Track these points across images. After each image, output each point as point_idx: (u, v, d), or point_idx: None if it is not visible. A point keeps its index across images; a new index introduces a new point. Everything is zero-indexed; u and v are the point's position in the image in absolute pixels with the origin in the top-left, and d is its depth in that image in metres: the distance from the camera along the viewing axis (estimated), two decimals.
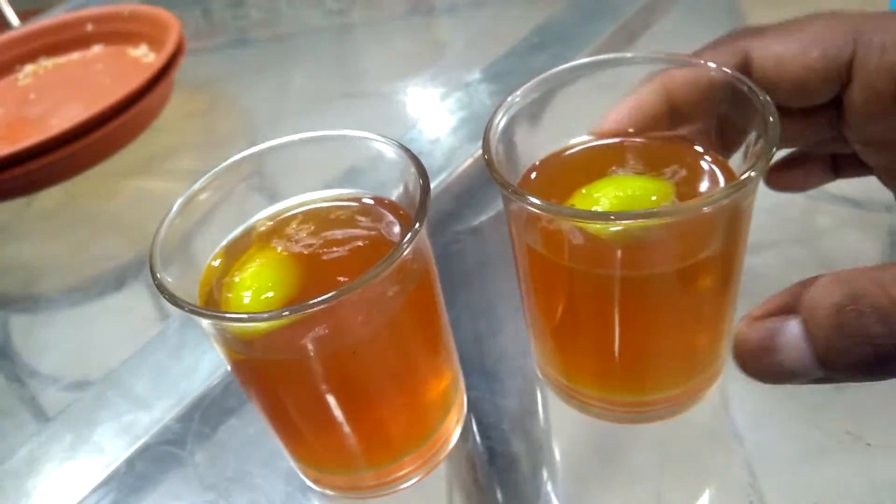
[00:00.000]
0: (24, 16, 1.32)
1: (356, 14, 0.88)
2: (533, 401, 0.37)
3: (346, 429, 0.29)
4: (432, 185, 0.50)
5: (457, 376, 0.34)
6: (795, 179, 0.32)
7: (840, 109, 0.28)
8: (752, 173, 0.24)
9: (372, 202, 0.31)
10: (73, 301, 0.51)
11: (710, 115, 0.30)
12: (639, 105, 0.30)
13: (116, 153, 0.59)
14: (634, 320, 0.29)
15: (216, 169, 0.30)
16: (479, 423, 0.36)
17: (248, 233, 0.30)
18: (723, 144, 0.30)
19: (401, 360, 0.29)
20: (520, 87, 0.30)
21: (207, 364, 0.40)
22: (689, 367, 0.32)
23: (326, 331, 0.26)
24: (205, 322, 0.26)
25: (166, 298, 0.25)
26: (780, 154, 0.34)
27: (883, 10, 0.46)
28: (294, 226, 0.30)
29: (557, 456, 0.35)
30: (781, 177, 0.33)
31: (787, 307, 0.22)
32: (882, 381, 0.21)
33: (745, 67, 0.28)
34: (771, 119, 0.26)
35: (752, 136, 0.27)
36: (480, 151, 0.28)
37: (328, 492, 0.33)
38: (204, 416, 0.38)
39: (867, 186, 0.31)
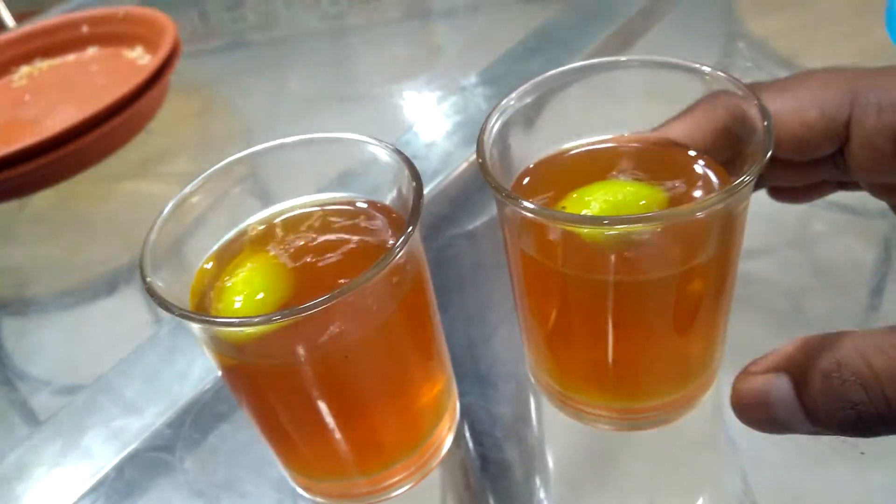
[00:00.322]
0: (20, 17, 1.31)
1: (353, 18, 0.88)
2: (526, 407, 0.36)
3: (338, 435, 0.29)
4: (427, 189, 0.51)
5: (449, 382, 0.33)
6: (798, 193, 0.32)
7: (843, 158, 0.28)
8: (746, 178, 0.24)
9: (365, 206, 0.31)
10: (65, 304, 0.51)
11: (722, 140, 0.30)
12: (675, 133, 0.30)
13: (111, 156, 0.59)
14: (627, 326, 0.28)
15: (208, 172, 0.29)
16: (472, 430, 0.35)
17: (240, 236, 0.30)
18: (720, 150, 0.30)
19: (393, 364, 0.28)
20: (514, 91, 0.30)
21: (199, 369, 0.40)
22: (682, 374, 0.32)
23: (318, 335, 0.25)
24: (195, 326, 0.25)
25: (156, 302, 0.25)
26: None
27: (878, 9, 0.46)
28: (286, 230, 0.30)
29: (550, 463, 0.35)
30: (786, 191, 0.32)
31: (780, 366, 0.24)
32: None
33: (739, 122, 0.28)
34: (765, 123, 0.26)
35: (747, 141, 0.27)
36: (475, 156, 0.28)
37: (319, 499, 0.32)
38: (195, 421, 0.37)
39: (863, 193, 0.31)
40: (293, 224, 0.30)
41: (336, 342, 0.26)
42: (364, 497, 0.32)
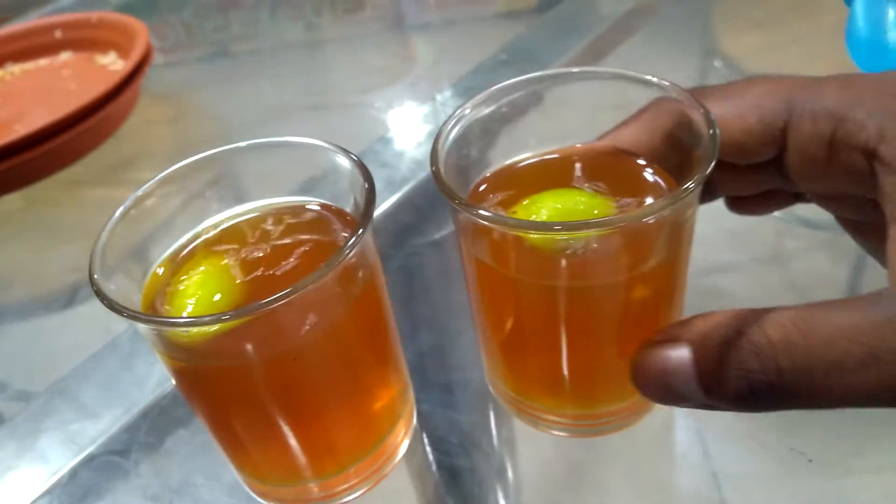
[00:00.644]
0: None
1: (333, 29, 0.89)
2: (485, 414, 0.36)
3: (289, 438, 0.29)
4: (395, 198, 0.51)
5: (406, 387, 0.34)
6: (756, 204, 0.33)
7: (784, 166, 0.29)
8: (690, 185, 0.24)
9: (321, 209, 0.31)
10: (27, 309, 0.51)
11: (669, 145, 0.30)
12: (623, 138, 0.31)
13: (79, 160, 0.59)
14: (578, 332, 0.29)
15: (163, 174, 0.29)
16: (429, 436, 0.35)
17: (192, 240, 0.30)
18: (667, 155, 0.30)
19: (344, 367, 0.29)
20: (469, 101, 0.30)
21: (158, 374, 0.39)
22: None
23: (267, 336, 0.26)
24: (145, 328, 0.25)
25: (104, 304, 0.25)
26: None
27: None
28: (240, 233, 0.30)
29: (508, 470, 0.35)
30: (742, 201, 0.33)
31: (681, 336, 0.24)
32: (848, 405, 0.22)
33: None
34: (710, 132, 0.26)
35: (694, 148, 0.28)
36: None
37: None
38: (151, 426, 0.37)
39: None
40: (247, 228, 0.30)
41: (285, 343, 0.26)
42: (318, 502, 0.32)
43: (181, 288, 0.28)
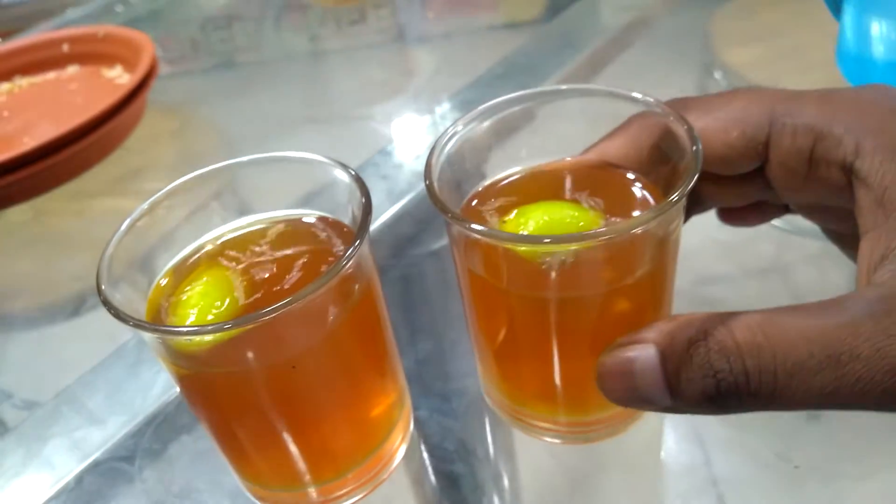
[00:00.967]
0: (3, 34, 1.32)
1: (339, 41, 0.90)
2: (481, 422, 0.37)
3: (288, 443, 0.30)
4: (394, 209, 0.52)
5: (402, 394, 0.34)
6: (746, 216, 0.34)
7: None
8: (674, 198, 0.25)
9: (318, 222, 0.32)
10: (34, 318, 0.52)
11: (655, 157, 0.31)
12: (609, 150, 0.31)
13: (86, 172, 0.60)
14: (568, 341, 0.30)
15: (169, 187, 0.30)
16: (425, 443, 0.36)
17: (195, 252, 0.31)
18: (653, 171, 0.31)
19: (341, 375, 0.30)
20: (462, 117, 0.31)
21: (162, 381, 0.40)
22: None
23: (267, 344, 0.27)
24: (150, 336, 0.26)
25: (111, 313, 0.26)
26: None
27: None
28: (241, 245, 0.31)
29: (504, 477, 0.35)
30: (732, 212, 0.34)
31: (648, 338, 0.24)
32: (811, 407, 0.23)
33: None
34: (693, 148, 0.27)
35: (677, 162, 0.29)
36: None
37: None
38: (156, 432, 0.38)
39: None
40: (248, 240, 0.31)
41: (285, 351, 0.27)
42: None
43: (184, 298, 0.29)
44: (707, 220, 0.34)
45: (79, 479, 0.36)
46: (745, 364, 0.22)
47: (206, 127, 0.75)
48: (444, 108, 0.62)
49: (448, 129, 0.31)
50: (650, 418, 0.35)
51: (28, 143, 0.54)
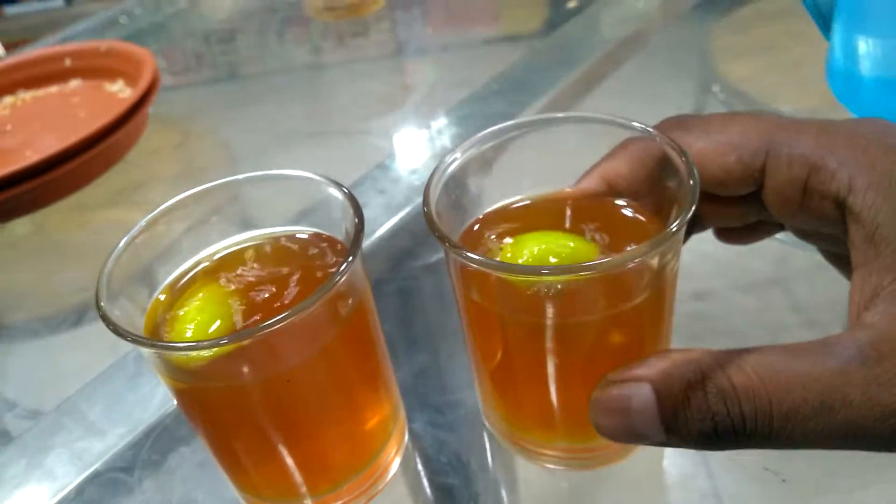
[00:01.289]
0: (9, 46, 1.34)
1: (341, 54, 0.91)
2: (476, 435, 0.38)
3: (284, 456, 0.30)
4: (391, 223, 0.53)
5: (397, 407, 0.35)
6: (741, 234, 0.34)
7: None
8: (673, 228, 0.26)
9: (313, 238, 0.33)
10: (35, 330, 0.52)
11: (653, 179, 0.32)
12: (610, 171, 0.32)
13: (88, 185, 0.61)
14: (564, 368, 0.30)
15: (166, 205, 0.31)
16: (420, 455, 0.37)
17: (192, 268, 0.32)
18: (649, 197, 0.32)
19: (335, 388, 0.30)
20: (460, 145, 0.32)
21: (162, 394, 0.41)
22: None
23: (262, 359, 0.27)
24: (148, 351, 0.27)
25: (110, 329, 0.26)
26: None
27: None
28: (237, 261, 0.32)
29: (502, 489, 0.36)
30: (729, 232, 0.34)
31: (642, 376, 0.24)
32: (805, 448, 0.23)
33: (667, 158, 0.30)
34: (691, 182, 0.27)
35: (673, 191, 0.29)
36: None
37: None
38: (155, 443, 0.39)
39: None
40: (244, 256, 0.32)
41: (280, 366, 0.28)
42: None
43: (181, 313, 0.29)
44: (704, 234, 0.34)
45: (79, 490, 0.37)
46: (742, 408, 0.23)
47: (207, 140, 0.76)
48: (441, 122, 0.63)
49: (447, 156, 0.31)
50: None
51: (31, 156, 0.55)
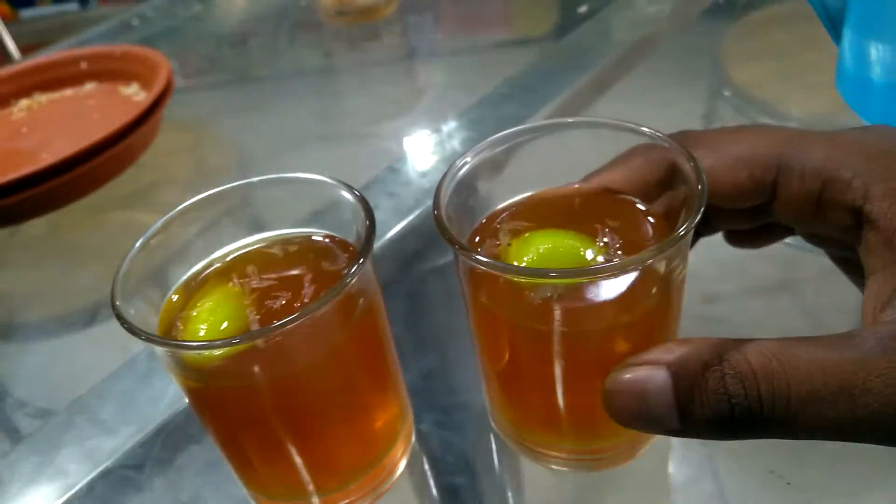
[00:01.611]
0: (25, 50, 1.35)
1: (352, 57, 0.91)
2: (483, 437, 0.38)
3: (293, 454, 0.31)
4: (401, 225, 0.53)
5: (404, 408, 0.35)
6: (753, 238, 0.34)
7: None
8: (681, 231, 0.26)
9: (326, 240, 0.33)
10: (49, 330, 0.53)
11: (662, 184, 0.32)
12: (637, 171, 0.32)
13: (102, 187, 0.62)
14: (570, 372, 0.30)
15: (181, 206, 0.32)
16: (427, 455, 0.37)
17: (206, 268, 0.32)
18: (657, 201, 0.32)
19: (344, 388, 0.31)
20: (472, 148, 0.32)
21: (172, 393, 0.42)
22: None
23: (273, 359, 0.28)
24: (161, 350, 0.28)
25: (124, 327, 0.27)
26: None
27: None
28: (250, 263, 0.32)
29: (507, 490, 0.36)
30: (739, 235, 0.35)
31: (660, 360, 0.24)
32: (821, 437, 0.23)
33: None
34: (699, 187, 0.28)
35: (682, 196, 0.29)
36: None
37: None
38: (165, 442, 0.39)
39: None
40: (257, 257, 0.32)
41: (290, 366, 0.28)
42: None
43: (194, 314, 0.30)
44: (714, 239, 0.34)
45: (90, 487, 0.38)
46: (760, 389, 0.23)
47: (220, 143, 0.77)
48: (451, 126, 0.63)
49: (458, 160, 0.32)
50: (656, 445, 0.35)
51: (46, 158, 0.56)
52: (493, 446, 0.37)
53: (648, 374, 0.24)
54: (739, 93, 0.67)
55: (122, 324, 0.27)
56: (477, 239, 0.33)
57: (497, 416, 0.36)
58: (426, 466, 0.37)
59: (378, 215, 0.54)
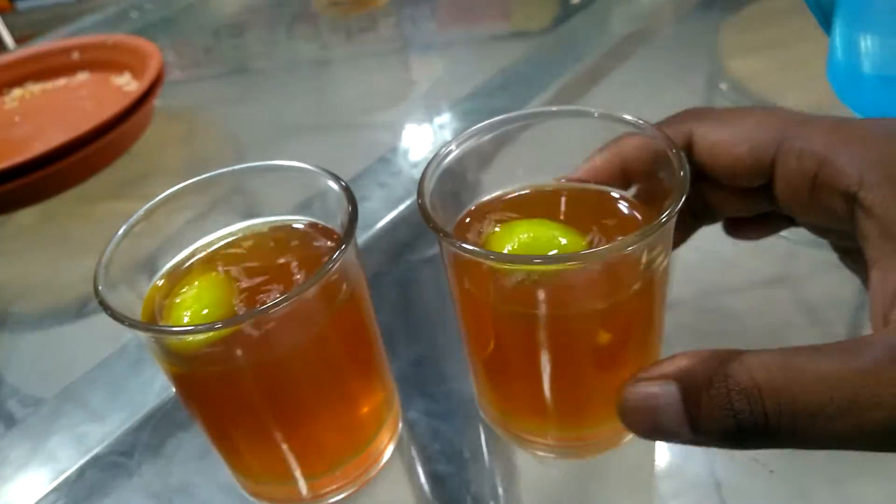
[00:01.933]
0: (21, 40, 1.35)
1: (348, 48, 0.91)
2: (470, 425, 0.38)
3: (278, 439, 0.31)
4: (391, 216, 0.53)
5: (390, 395, 0.36)
6: (752, 228, 0.34)
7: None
8: (663, 218, 0.26)
9: (309, 228, 0.33)
10: (40, 319, 0.53)
11: (648, 172, 0.32)
12: (600, 164, 0.32)
13: (94, 176, 0.62)
14: (554, 358, 0.30)
15: (165, 194, 0.32)
16: (414, 442, 0.37)
17: (190, 256, 0.33)
18: (641, 191, 0.32)
19: (328, 374, 0.31)
20: (455, 138, 0.32)
21: (162, 380, 0.42)
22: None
23: (256, 344, 0.28)
24: (144, 336, 0.28)
25: (108, 314, 0.27)
26: None
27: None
28: (234, 250, 0.32)
29: (495, 476, 0.36)
30: (738, 226, 0.35)
31: (670, 374, 0.25)
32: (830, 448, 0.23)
33: (687, 146, 0.31)
34: (682, 174, 0.28)
35: (665, 184, 0.30)
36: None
37: (264, 503, 0.35)
38: (155, 429, 0.39)
39: None
40: (241, 244, 0.33)
41: (273, 351, 0.28)
42: (307, 502, 0.34)
43: (178, 301, 0.30)
44: (713, 232, 0.34)
45: (80, 472, 0.38)
46: (765, 405, 0.22)
47: (213, 132, 0.77)
48: (444, 118, 0.63)
49: (442, 148, 0.32)
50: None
51: (38, 147, 0.56)
52: (482, 434, 0.38)
53: (659, 389, 0.25)
54: (736, 85, 0.67)
55: (105, 310, 0.27)
56: (462, 226, 0.33)
57: (484, 404, 0.36)
58: (413, 453, 0.37)
59: (369, 205, 0.54)
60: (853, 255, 0.31)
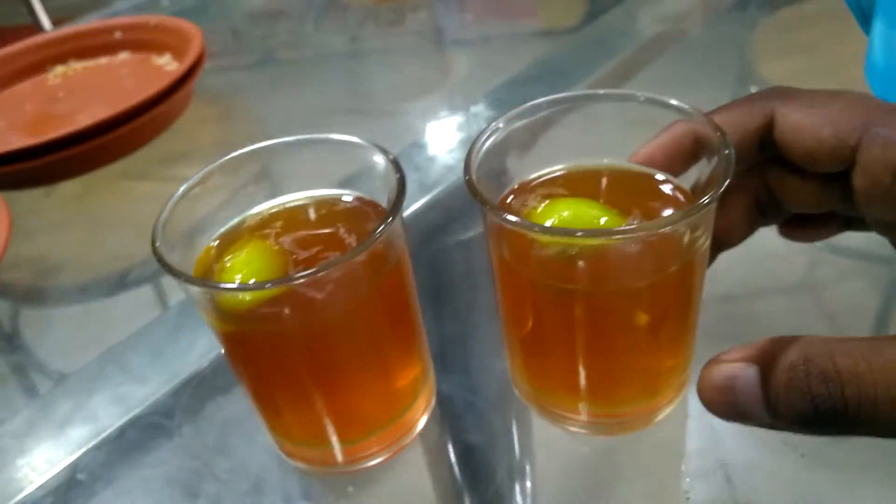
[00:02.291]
0: (57, 22, 1.37)
1: (377, 41, 0.92)
2: (503, 399, 0.39)
3: (317, 401, 0.32)
4: (426, 199, 0.54)
5: (427, 367, 0.37)
6: (808, 232, 0.34)
7: (850, 185, 0.30)
8: (705, 200, 0.27)
9: (355, 201, 0.34)
10: (78, 292, 0.54)
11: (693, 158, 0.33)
12: (665, 145, 0.33)
13: (134, 152, 0.63)
14: (591, 335, 0.31)
15: (219, 162, 0.33)
16: (446, 414, 0.38)
17: (242, 223, 0.34)
18: (689, 177, 0.33)
19: (371, 340, 0.32)
20: (503, 116, 0.33)
21: (201, 346, 0.43)
22: (652, 382, 0.34)
23: (304, 306, 0.29)
24: (197, 290, 0.29)
25: (164, 268, 0.28)
26: None
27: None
28: (284, 219, 0.33)
29: (519, 450, 0.37)
30: (794, 228, 0.35)
31: (751, 357, 0.25)
32: None
33: (769, 125, 0.31)
34: (726, 152, 0.28)
35: (708, 167, 0.30)
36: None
37: (300, 464, 0.36)
38: (194, 392, 0.41)
39: (869, 240, 0.33)
40: (291, 214, 0.34)
41: (319, 314, 0.29)
42: (341, 465, 0.35)
43: (228, 265, 0.31)
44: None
45: (121, 431, 0.39)
46: (845, 391, 0.23)
47: (247, 117, 0.78)
48: (479, 106, 0.64)
49: (488, 126, 0.32)
50: (674, 413, 0.36)
51: (81, 122, 0.57)
52: (513, 408, 0.38)
53: (738, 371, 0.25)
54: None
55: (162, 266, 0.28)
56: (504, 204, 0.34)
57: (517, 379, 0.37)
58: (446, 425, 0.38)
59: None
60: None
